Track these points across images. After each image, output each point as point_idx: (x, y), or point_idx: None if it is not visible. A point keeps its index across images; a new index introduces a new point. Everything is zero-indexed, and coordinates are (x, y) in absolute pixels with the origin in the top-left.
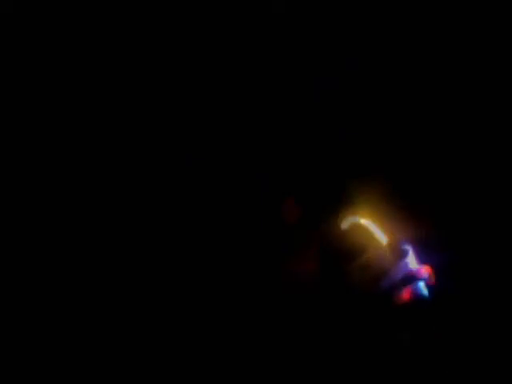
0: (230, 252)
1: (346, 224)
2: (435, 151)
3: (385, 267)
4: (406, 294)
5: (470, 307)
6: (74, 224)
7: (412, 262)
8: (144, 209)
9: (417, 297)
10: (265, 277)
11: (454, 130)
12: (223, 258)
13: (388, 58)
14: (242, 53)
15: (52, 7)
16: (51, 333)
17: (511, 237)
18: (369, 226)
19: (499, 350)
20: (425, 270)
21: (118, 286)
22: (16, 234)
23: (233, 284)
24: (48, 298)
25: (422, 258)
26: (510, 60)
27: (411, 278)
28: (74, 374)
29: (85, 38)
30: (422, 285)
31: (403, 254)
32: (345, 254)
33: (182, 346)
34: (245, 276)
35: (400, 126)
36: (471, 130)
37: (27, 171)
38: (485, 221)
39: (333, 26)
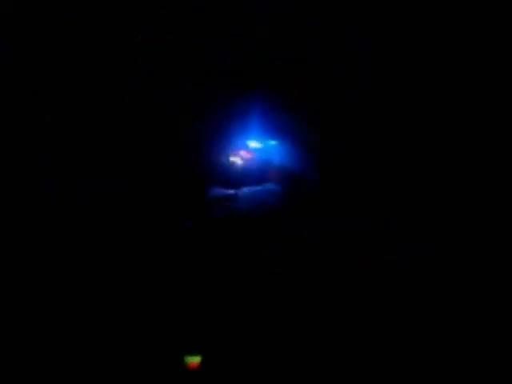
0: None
1: None
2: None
3: None
4: None
5: (468, 304)
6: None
7: None
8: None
9: None
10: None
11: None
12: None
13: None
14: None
15: (51, 7)
16: (51, 332)
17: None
18: None
19: (498, 348)
20: None
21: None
22: (15, 234)
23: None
24: (47, 297)
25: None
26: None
27: None
28: (74, 373)
29: (83, 38)
30: None
31: None
32: None
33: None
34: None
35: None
36: (467, 128)
37: (26, 171)
38: (480, 216)
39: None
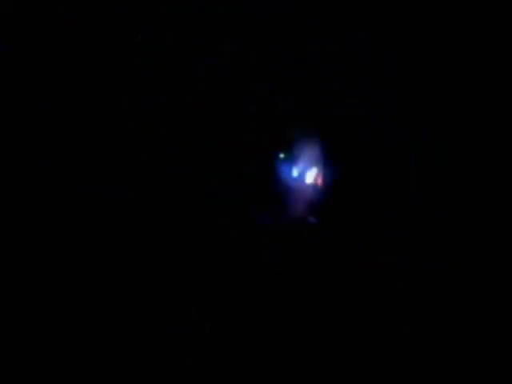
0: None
1: None
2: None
3: None
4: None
5: (469, 306)
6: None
7: None
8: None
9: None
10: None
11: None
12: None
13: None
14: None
15: (51, 7)
16: (51, 333)
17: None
18: None
19: (498, 349)
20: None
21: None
22: (16, 235)
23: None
24: (48, 298)
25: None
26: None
27: None
28: (74, 373)
29: (83, 38)
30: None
31: None
32: None
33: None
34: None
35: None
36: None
37: (27, 171)
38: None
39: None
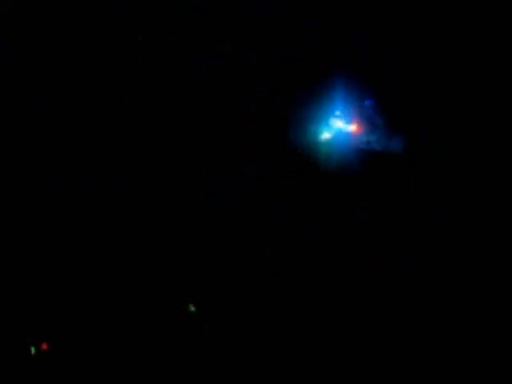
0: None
1: None
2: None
3: None
4: None
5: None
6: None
7: None
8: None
9: None
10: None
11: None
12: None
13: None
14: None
15: (51, 7)
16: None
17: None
18: None
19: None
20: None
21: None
22: (16, 235)
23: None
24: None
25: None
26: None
27: None
28: (75, 373)
29: (83, 38)
30: None
31: None
32: None
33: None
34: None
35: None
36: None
37: (27, 171)
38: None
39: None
